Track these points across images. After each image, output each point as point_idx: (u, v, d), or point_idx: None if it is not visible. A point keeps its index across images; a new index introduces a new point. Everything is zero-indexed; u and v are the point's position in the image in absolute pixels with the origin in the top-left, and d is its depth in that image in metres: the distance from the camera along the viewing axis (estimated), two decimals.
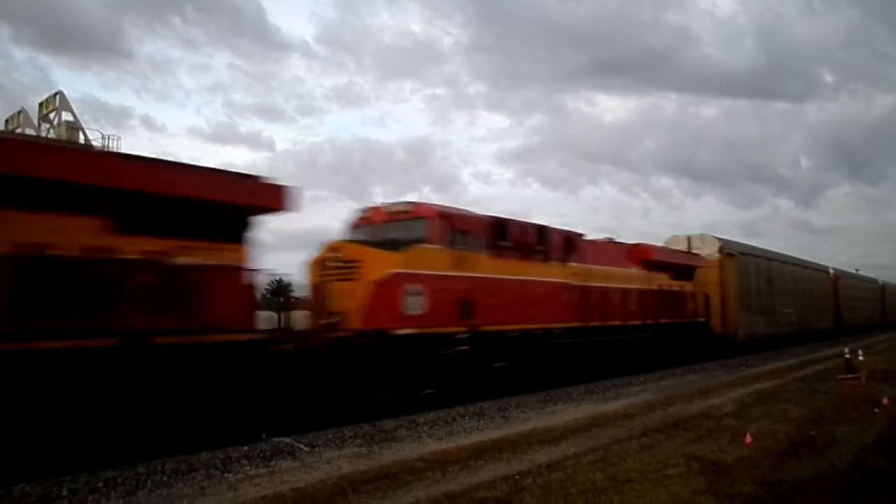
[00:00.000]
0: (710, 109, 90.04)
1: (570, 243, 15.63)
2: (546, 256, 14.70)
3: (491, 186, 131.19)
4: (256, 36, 75.21)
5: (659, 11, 77.81)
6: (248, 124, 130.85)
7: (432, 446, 7.80)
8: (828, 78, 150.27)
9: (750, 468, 6.23)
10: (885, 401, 9.93)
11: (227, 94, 72.44)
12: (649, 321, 18.65)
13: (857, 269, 47.70)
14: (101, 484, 6.14)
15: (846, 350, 15.13)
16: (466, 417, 10.00)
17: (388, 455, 7.36)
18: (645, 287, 18.84)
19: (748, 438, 7.43)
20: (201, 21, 71.16)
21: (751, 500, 5.25)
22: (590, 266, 16.22)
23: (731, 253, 25.36)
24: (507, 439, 8.03)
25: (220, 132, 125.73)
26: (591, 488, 5.60)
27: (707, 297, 23.01)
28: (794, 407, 10.09)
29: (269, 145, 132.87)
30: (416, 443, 8.14)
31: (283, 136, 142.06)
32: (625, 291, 17.73)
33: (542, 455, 7.10)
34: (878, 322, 50.52)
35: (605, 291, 16.68)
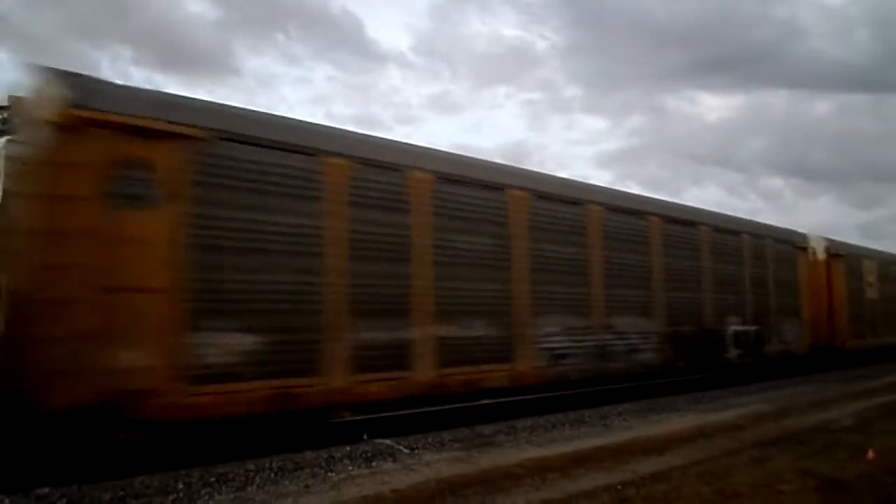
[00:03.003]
0: (823, 105, 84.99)
1: None
2: None
3: None
4: (355, 49, 76.97)
5: (764, 6, 74.02)
6: None
7: (531, 452, 7.73)
8: None
9: (872, 486, 5.84)
10: None
11: (327, 106, 74.87)
12: None
13: None
14: (213, 479, 6.44)
15: None
16: (567, 424, 9.85)
17: (487, 460, 7.35)
18: None
19: (869, 454, 6.97)
20: (303, 37, 73.67)
21: None
22: None
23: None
24: (608, 448, 7.85)
25: None
26: (697, 502, 5.40)
27: None
28: None
29: None
30: (514, 448, 8.09)
31: None
32: None
33: (646, 465, 6.90)
34: None
35: None
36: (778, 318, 17.13)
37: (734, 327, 15.44)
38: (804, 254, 19.04)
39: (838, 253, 20.77)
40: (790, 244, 18.43)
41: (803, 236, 19.33)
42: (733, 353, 15.37)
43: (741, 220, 17.22)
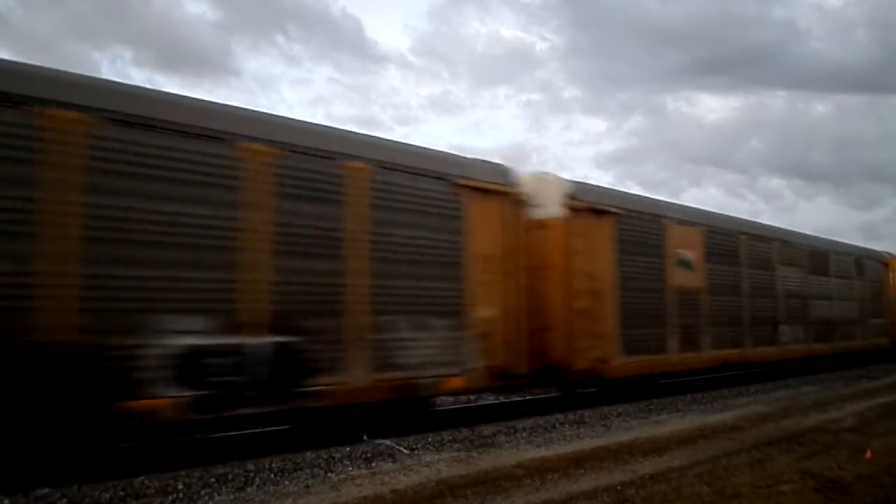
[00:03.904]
0: (822, 106, 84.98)
1: None
2: None
3: None
4: (355, 50, 77.06)
5: (763, 7, 74.10)
6: None
7: (531, 453, 7.73)
8: None
9: (872, 486, 5.84)
10: None
11: (327, 107, 74.88)
12: None
13: None
14: (213, 479, 6.43)
15: None
16: (566, 425, 9.85)
17: (487, 460, 7.35)
18: None
19: (868, 454, 6.97)
20: (303, 38, 73.71)
21: None
22: None
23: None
24: (608, 448, 7.85)
25: None
26: (698, 502, 5.40)
27: None
28: None
29: None
30: (514, 449, 8.09)
31: None
32: None
33: (646, 466, 6.90)
34: None
35: None
36: (378, 321, 8.70)
37: (179, 341, 6.98)
38: (491, 202, 10.26)
39: (598, 207, 12.14)
40: (443, 179, 9.72)
41: (500, 171, 10.68)
42: (169, 395, 6.91)
43: (239, 110, 8.09)
